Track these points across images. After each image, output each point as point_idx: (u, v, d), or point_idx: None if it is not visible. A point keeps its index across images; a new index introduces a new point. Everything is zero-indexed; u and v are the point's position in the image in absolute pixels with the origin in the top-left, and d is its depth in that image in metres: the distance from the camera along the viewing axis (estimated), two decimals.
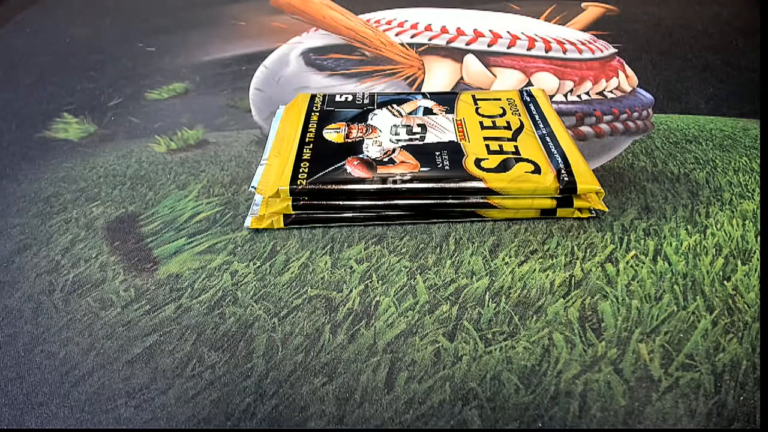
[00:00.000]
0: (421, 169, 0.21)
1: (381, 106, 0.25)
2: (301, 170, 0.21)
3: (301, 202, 0.21)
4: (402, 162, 0.21)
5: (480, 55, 0.33)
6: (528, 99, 0.26)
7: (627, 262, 0.19)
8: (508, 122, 0.24)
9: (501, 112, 0.24)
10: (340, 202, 0.21)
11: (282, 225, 0.21)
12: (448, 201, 0.21)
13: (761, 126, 0.28)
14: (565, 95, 0.30)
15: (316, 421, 0.15)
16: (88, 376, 0.16)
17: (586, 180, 0.20)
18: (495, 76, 0.31)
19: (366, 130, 0.23)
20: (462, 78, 0.32)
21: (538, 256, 0.20)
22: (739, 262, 0.19)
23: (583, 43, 0.33)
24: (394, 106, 0.25)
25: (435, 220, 0.21)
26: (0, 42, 0.42)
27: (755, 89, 0.31)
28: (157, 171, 0.26)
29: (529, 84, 0.31)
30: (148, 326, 0.18)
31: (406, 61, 0.33)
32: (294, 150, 0.22)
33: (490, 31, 0.35)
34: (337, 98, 0.26)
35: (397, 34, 0.36)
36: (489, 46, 0.34)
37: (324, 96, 0.26)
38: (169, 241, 0.21)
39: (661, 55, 0.35)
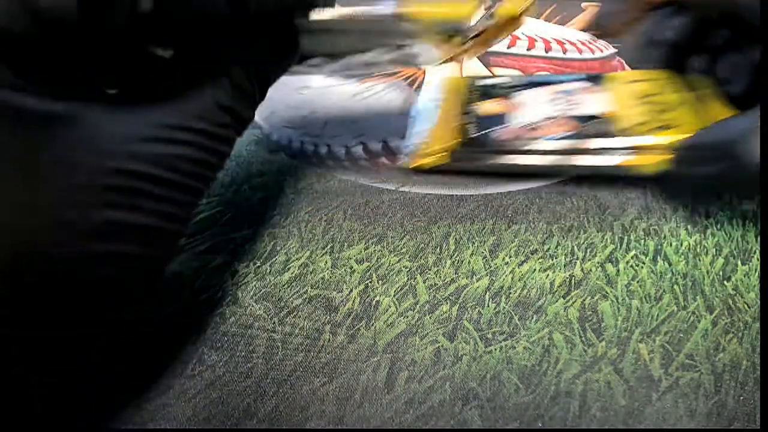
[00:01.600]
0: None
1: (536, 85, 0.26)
2: (468, 126, 0.24)
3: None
4: (560, 125, 0.23)
5: (480, 55, 0.33)
6: None
7: (627, 262, 0.19)
8: (662, 99, 0.24)
9: (651, 92, 0.25)
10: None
11: (449, 160, 0.23)
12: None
13: (761, 126, 0.28)
14: None
15: (316, 421, 0.15)
16: None
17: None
18: (495, 76, 0.31)
19: (510, 107, 0.25)
20: None
21: (538, 256, 0.20)
22: (739, 262, 0.19)
23: (583, 43, 0.33)
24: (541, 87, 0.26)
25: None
26: None
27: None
28: None
29: None
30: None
31: None
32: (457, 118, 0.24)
33: None
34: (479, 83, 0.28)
35: None
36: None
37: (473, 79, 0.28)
38: None
39: None
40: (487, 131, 0.23)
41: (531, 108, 0.24)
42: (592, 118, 0.23)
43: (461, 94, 0.27)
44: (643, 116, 0.23)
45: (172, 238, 0.14)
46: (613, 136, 0.22)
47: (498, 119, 0.24)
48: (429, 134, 0.25)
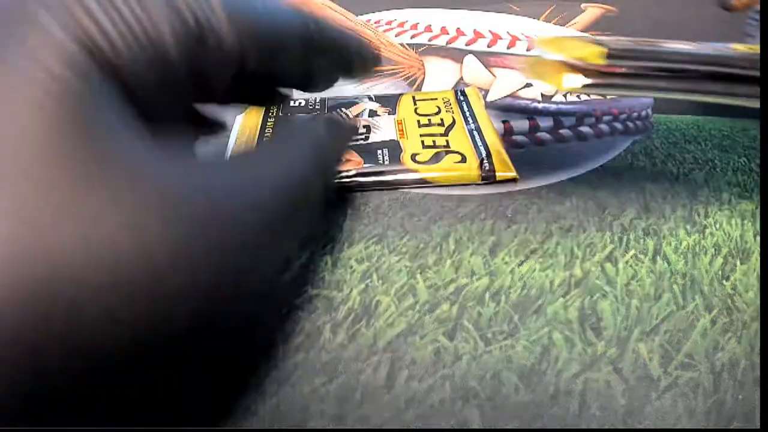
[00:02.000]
0: (364, 165, 0.23)
1: (330, 110, 0.28)
2: None
3: None
4: (348, 160, 0.24)
5: (480, 55, 0.33)
6: (462, 98, 0.29)
7: (626, 262, 0.20)
8: (442, 119, 0.27)
9: (436, 110, 0.27)
10: None
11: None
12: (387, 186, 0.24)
13: (761, 126, 0.28)
14: (565, 95, 0.30)
15: (316, 420, 0.15)
16: None
17: (504, 168, 0.23)
18: (495, 76, 0.31)
19: None
20: (462, 78, 0.32)
21: (538, 255, 0.20)
22: (738, 262, 0.19)
23: None
24: (342, 110, 0.28)
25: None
26: None
27: None
28: None
29: (529, 84, 0.31)
30: None
31: (406, 62, 0.33)
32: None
33: (489, 31, 0.35)
34: (291, 104, 0.28)
35: (397, 35, 0.36)
36: (489, 46, 0.34)
37: (280, 103, 0.28)
38: None
39: None
40: None
41: None
42: (381, 145, 0.25)
43: (257, 129, 0.26)
44: (423, 141, 0.25)
45: None
46: (398, 167, 0.23)
47: None
48: None
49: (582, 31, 0.37)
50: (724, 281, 0.19)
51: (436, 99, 0.28)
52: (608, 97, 0.30)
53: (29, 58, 0.10)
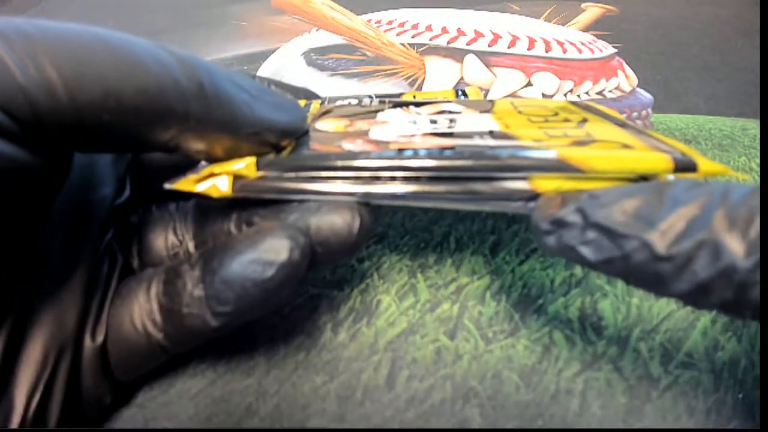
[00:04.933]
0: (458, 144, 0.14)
1: (395, 106, 0.19)
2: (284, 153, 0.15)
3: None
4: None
5: (480, 55, 0.33)
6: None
7: None
8: (566, 118, 0.17)
9: (554, 113, 0.18)
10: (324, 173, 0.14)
11: (229, 191, 0.14)
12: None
13: (761, 126, 0.28)
14: (565, 95, 0.30)
15: (317, 420, 0.15)
16: None
17: (701, 158, 0.14)
18: (495, 76, 0.31)
19: (372, 123, 0.17)
20: (462, 78, 0.32)
21: (539, 254, 0.20)
22: None
23: (583, 44, 0.34)
24: (412, 108, 0.19)
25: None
26: None
27: (754, 89, 0.31)
28: None
29: (529, 84, 0.31)
30: None
31: (407, 61, 0.33)
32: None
33: (490, 31, 0.35)
34: (339, 102, 0.20)
35: (397, 35, 0.36)
36: (489, 46, 0.34)
37: (322, 101, 0.21)
38: None
39: (660, 55, 0.35)
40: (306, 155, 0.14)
41: (392, 126, 0.16)
42: (478, 134, 0.15)
43: None
44: (551, 131, 0.16)
45: None
46: (515, 143, 0.14)
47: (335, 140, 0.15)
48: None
49: (582, 30, 0.37)
50: None
51: (546, 107, 0.19)
52: (608, 96, 0.30)
53: None
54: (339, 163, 0.14)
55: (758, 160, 0.25)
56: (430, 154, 0.14)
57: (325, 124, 0.17)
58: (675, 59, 0.35)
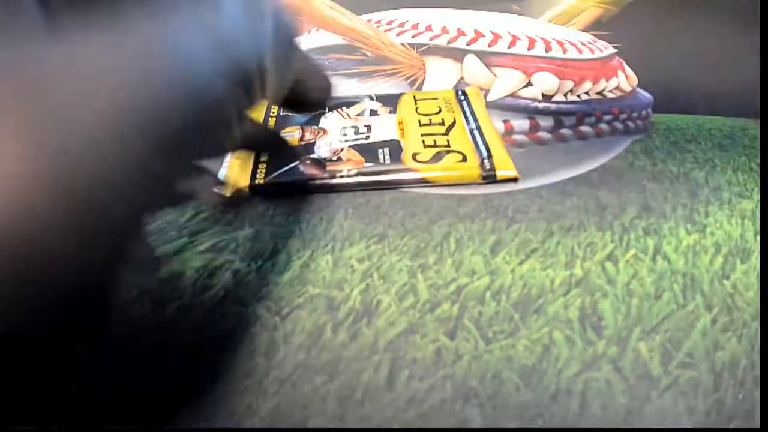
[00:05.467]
0: (365, 164, 0.24)
1: (331, 109, 0.28)
2: (259, 170, 0.24)
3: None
4: (349, 159, 0.24)
5: (480, 55, 0.33)
6: (462, 97, 0.29)
7: (627, 261, 0.20)
8: (443, 119, 0.27)
9: (437, 110, 0.27)
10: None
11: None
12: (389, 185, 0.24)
13: (761, 125, 0.28)
14: (565, 95, 0.30)
15: (317, 420, 0.15)
16: None
17: (504, 167, 0.23)
18: (495, 75, 0.31)
19: (318, 133, 0.26)
20: (462, 78, 0.32)
21: (539, 254, 0.20)
22: (738, 261, 0.19)
23: (583, 43, 0.34)
24: (344, 108, 0.28)
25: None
26: None
27: (754, 89, 0.31)
28: None
29: (529, 84, 0.31)
30: (151, 325, 0.18)
31: (407, 61, 0.33)
32: (254, 152, 0.25)
33: (490, 31, 0.35)
34: None
35: (398, 35, 0.36)
36: (489, 46, 0.34)
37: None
38: (171, 240, 0.21)
39: (660, 55, 0.35)
40: (279, 173, 0.23)
41: (331, 136, 0.26)
42: (381, 144, 0.25)
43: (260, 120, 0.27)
44: (424, 141, 0.25)
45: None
46: (399, 166, 0.23)
47: (293, 155, 0.24)
48: (228, 167, 0.24)
49: (582, 30, 0.37)
50: (724, 280, 0.19)
51: (437, 98, 0.28)
52: (608, 96, 0.30)
53: None
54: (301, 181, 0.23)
55: (758, 160, 0.25)
56: (349, 174, 0.23)
57: (286, 136, 0.26)
58: (675, 59, 0.35)
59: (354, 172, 0.23)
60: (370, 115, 0.27)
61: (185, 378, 0.16)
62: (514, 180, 0.23)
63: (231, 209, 0.23)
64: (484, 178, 0.23)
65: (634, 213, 0.22)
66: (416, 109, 0.27)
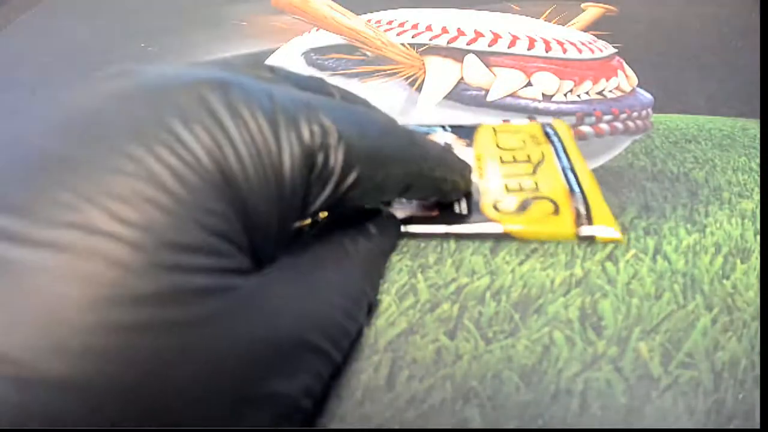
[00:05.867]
0: (440, 215, 0.20)
1: None
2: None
3: None
4: (424, 208, 0.20)
5: (480, 55, 0.33)
6: (550, 131, 0.25)
7: (627, 261, 0.20)
8: (528, 155, 0.23)
9: (521, 144, 0.23)
10: None
11: None
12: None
13: (761, 125, 0.28)
14: (565, 95, 0.30)
15: (317, 420, 0.15)
16: None
17: (606, 228, 0.20)
18: (495, 75, 0.31)
19: None
20: (462, 78, 0.32)
21: (539, 254, 0.20)
22: (738, 261, 0.19)
23: (583, 43, 0.34)
24: None
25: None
26: (2, 43, 0.42)
27: (754, 89, 0.31)
28: None
29: (529, 84, 0.31)
30: None
31: (407, 61, 0.33)
32: None
33: (490, 31, 0.35)
34: None
35: (398, 35, 0.36)
36: (489, 46, 0.34)
37: None
38: None
39: (660, 55, 0.35)
40: None
41: None
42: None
43: None
44: (507, 185, 0.21)
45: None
46: (478, 217, 0.20)
47: None
48: None
49: (582, 30, 0.37)
50: (724, 280, 0.19)
51: (520, 132, 0.24)
52: (608, 96, 0.30)
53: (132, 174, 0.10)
54: None
55: (758, 160, 0.25)
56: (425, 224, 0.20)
57: None
58: (675, 59, 0.35)
59: (426, 222, 0.20)
60: None
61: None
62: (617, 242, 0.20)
63: None
64: (581, 239, 0.20)
65: (634, 213, 0.22)
66: (497, 143, 0.24)
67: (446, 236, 0.20)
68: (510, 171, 0.22)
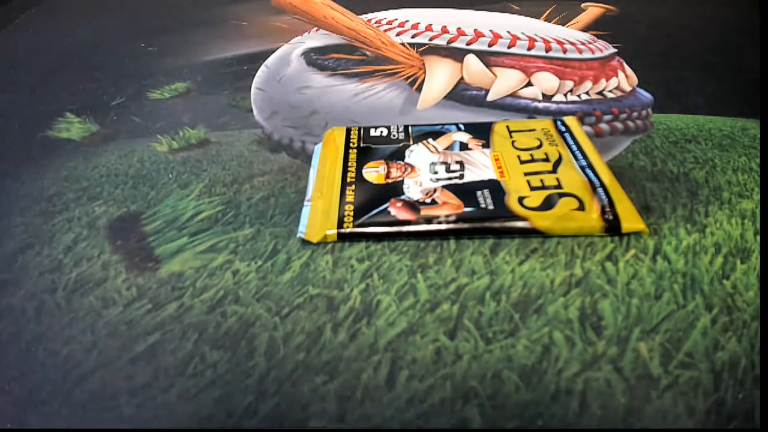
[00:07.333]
0: (465, 209, 0.21)
1: (416, 140, 0.25)
2: (346, 213, 0.21)
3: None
4: (445, 203, 0.21)
5: (480, 54, 0.33)
6: (563, 128, 0.26)
7: (627, 261, 0.20)
8: (546, 154, 0.24)
9: (538, 143, 0.24)
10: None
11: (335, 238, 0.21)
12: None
13: (761, 125, 0.28)
14: (565, 95, 0.30)
15: (317, 420, 0.15)
16: (90, 375, 0.16)
17: (630, 218, 0.20)
18: (495, 75, 0.31)
19: (405, 170, 0.23)
20: (462, 78, 0.32)
21: (539, 254, 0.20)
22: (738, 261, 0.19)
23: (583, 43, 0.34)
24: (430, 141, 0.25)
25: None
26: (2, 42, 0.42)
27: (754, 89, 0.31)
28: (159, 170, 0.26)
29: (529, 84, 0.31)
30: (150, 325, 0.18)
31: (407, 61, 0.33)
32: (337, 191, 0.22)
33: (490, 31, 0.35)
34: (372, 132, 0.26)
35: (398, 34, 0.36)
36: (489, 46, 0.34)
37: (359, 130, 0.26)
38: (171, 240, 0.21)
39: (660, 55, 0.35)
40: (369, 217, 0.21)
41: (420, 173, 0.23)
42: (480, 185, 0.22)
43: (337, 160, 0.24)
44: (530, 181, 0.22)
45: None
46: (505, 212, 0.21)
47: (382, 194, 0.22)
48: (311, 210, 0.22)
49: (582, 30, 0.37)
50: (724, 280, 0.19)
51: (534, 130, 0.25)
52: (608, 96, 0.30)
53: None
54: (390, 230, 0.21)
55: (758, 160, 0.25)
56: (448, 220, 0.21)
57: (369, 172, 0.23)
58: (675, 59, 0.35)
59: (453, 218, 0.21)
60: (461, 149, 0.24)
61: (185, 377, 0.16)
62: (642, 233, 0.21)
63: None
64: (607, 230, 0.20)
65: None
66: (513, 142, 0.24)
67: (475, 232, 0.21)
68: (530, 169, 0.23)
